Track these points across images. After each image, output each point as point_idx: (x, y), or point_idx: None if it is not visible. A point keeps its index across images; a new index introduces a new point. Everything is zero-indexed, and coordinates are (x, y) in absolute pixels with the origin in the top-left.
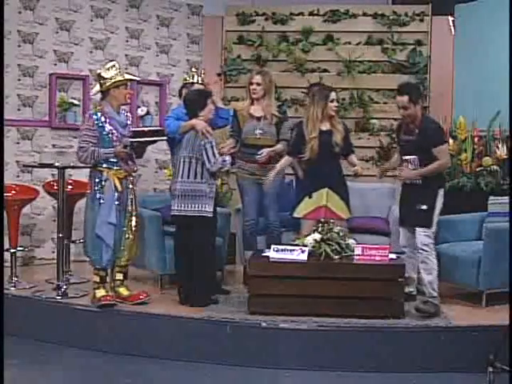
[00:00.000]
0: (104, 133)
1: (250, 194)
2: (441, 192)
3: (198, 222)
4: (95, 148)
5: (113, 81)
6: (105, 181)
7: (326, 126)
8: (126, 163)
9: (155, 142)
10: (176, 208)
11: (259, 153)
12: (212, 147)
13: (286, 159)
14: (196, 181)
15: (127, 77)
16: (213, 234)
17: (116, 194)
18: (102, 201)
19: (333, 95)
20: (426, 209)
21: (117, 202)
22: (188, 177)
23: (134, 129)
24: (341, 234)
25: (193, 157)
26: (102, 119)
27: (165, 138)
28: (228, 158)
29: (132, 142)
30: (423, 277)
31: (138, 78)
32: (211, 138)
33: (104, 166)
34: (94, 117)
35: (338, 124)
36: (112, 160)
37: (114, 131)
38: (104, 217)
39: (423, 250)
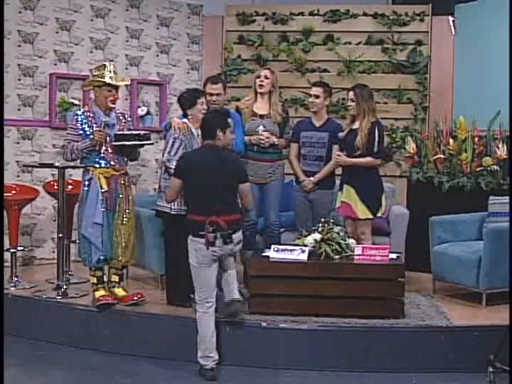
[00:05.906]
0: (87, 132)
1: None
2: None
3: (164, 216)
4: (74, 143)
5: (91, 79)
6: (90, 179)
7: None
8: (100, 144)
9: (142, 145)
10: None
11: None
12: (174, 142)
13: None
14: (164, 176)
15: (107, 80)
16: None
17: (101, 194)
18: (87, 200)
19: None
20: None
21: (102, 202)
22: (163, 172)
23: (116, 132)
24: (341, 233)
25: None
26: (86, 118)
27: (150, 142)
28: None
29: (114, 145)
30: None
31: (126, 83)
32: (181, 134)
33: (90, 163)
34: (78, 116)
35: None
36: (100, 160)
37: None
38: (89, 217)
39: None
